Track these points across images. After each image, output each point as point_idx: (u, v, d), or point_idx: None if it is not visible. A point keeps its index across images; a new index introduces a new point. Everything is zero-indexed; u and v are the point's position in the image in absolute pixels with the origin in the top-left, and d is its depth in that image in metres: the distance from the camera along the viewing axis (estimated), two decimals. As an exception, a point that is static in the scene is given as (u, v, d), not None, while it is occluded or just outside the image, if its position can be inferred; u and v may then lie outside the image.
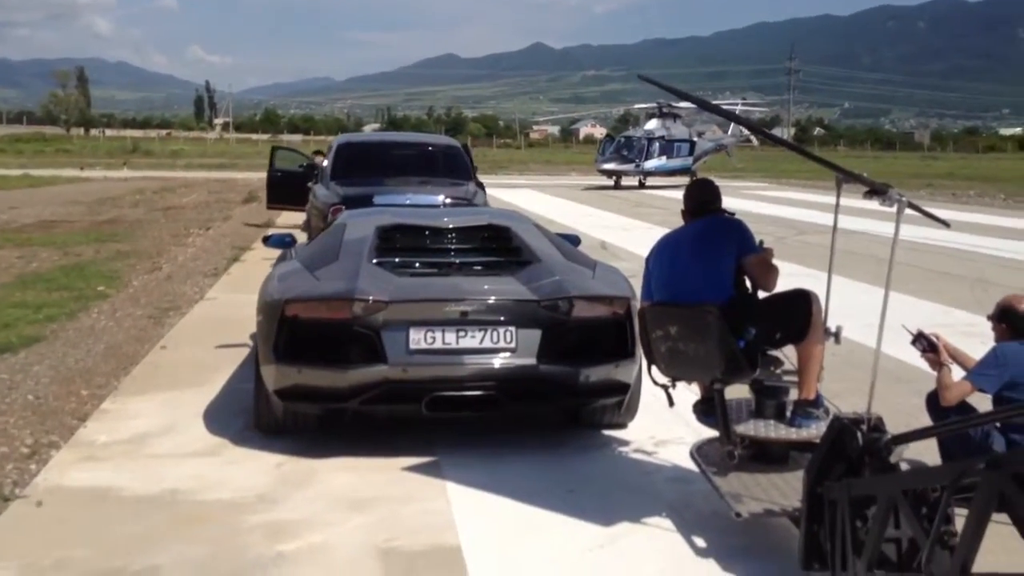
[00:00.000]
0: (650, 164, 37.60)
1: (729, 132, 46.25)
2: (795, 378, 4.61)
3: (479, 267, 5.97)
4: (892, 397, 7.01)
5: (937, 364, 4.92)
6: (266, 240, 7.64)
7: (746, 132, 51.79)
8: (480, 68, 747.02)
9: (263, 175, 18.86)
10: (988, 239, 18.02)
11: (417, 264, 5.94)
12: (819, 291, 4.71)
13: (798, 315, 4.42)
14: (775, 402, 4.59)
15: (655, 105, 41.69)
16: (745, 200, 30.32)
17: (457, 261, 6.01)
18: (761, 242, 4.69)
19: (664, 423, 5.88)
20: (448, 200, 10.52)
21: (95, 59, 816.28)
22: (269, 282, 5.78)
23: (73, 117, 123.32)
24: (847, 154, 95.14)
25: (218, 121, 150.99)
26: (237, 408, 6.16)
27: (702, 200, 4.75)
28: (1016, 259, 15.88)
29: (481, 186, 11.95)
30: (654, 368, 4.57)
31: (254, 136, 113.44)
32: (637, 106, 51.79)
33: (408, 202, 10.13)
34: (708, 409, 4.56)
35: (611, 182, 37.68)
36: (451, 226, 6.38)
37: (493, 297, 5.34)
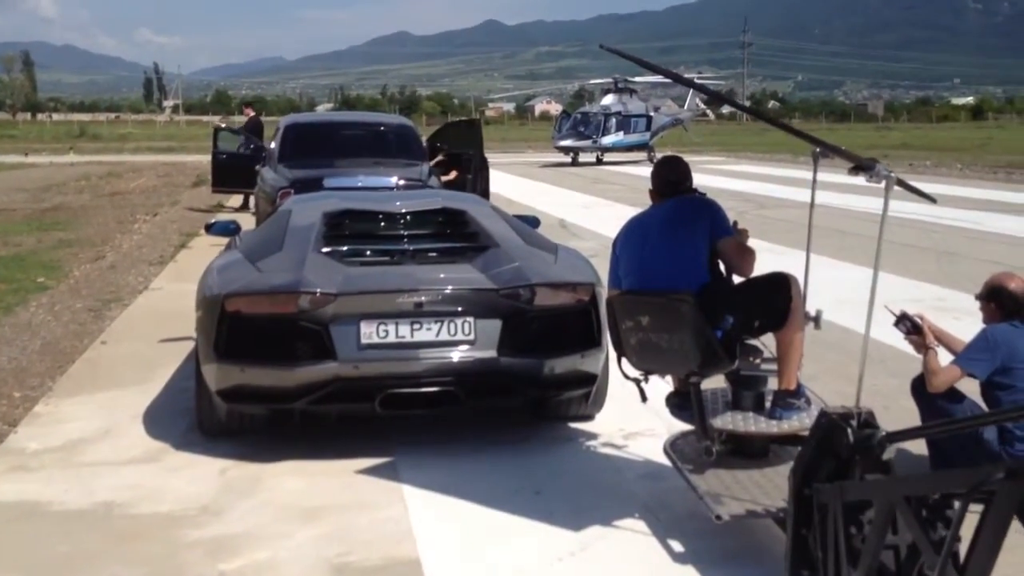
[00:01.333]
0: (607, 140, 37.23)
1: (686, 106, 46.09)
2: (774, 367, 4.33)
3: (434, 254, 5.62)
4: (870, 378, 6.71)
5: (922, 347, 4.65)
6: (208, 228, 7.20)
7: (703, 106, 51.71)
8: (433, 46, 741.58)
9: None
10: (949, 209, 17.92)
11: (368, 252, 5.57)
12: (787, 269, 4.45)
13: (778, 300, 4.12)
14: (753, 393, 4.31)
15: (611, 80, 41.34)
16: (703, 175, 30.11)
17: (411, 248, 5.64)
18: (735, 223, 4.39)
19: (633, 414, 5.57)
20: (402, 182, 10.15)
21: (41, 42, 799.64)
22: (208, 275, 5.39)
23: (19, 102, 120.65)
24: (801, 126, 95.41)
25: (168, 103, 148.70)
26: (180, 408, 5.78)
27: (671, 179, 4.42)
28: (979, 229, 15.80)
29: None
30: (624, 361, 4.25)
31: (204, 118, 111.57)
32: (592, 81, 51.51)
33: (360, 184, 9.76)
34: (682, 402, 4.26)
35: (568, 159, 37.30)
36: (403, 211, 6.01)
37: (449, 286, 5.00)
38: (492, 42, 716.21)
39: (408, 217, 5.99)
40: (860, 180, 3.64)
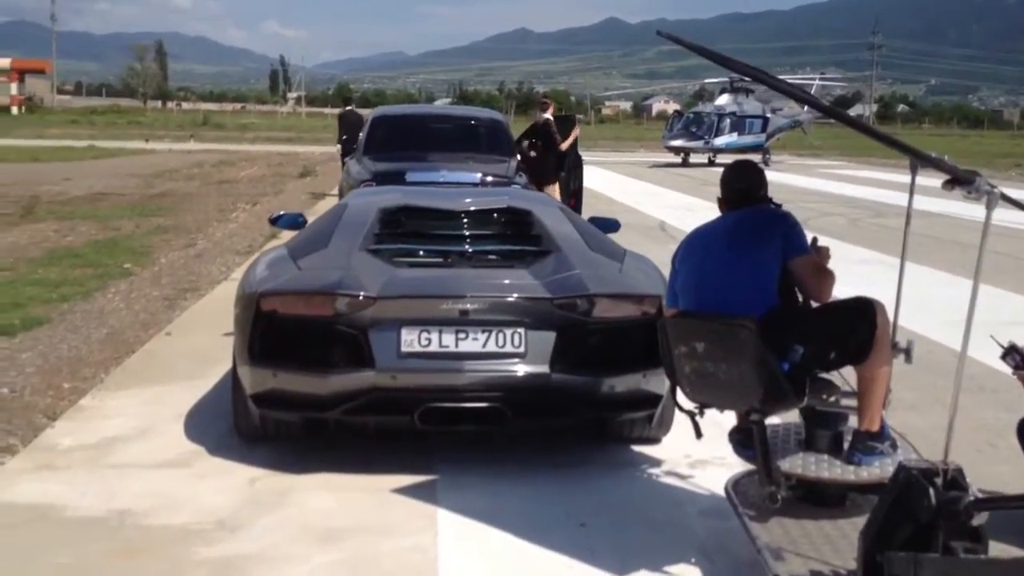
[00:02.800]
0: (720, 141, 36.24)
1: (805, 108, 44.61)
2: (854, 403, 3.79)
3: (492, 256, 5.22)
4: (974, 409, 6.10)
5: None
6: (274, 220, 6.95)
7: (823, 108, 49.93)
8: (553, 43, 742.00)
9: (326, 149, 18.21)
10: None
11: (420, 252, 5.21)
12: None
13: (859, 331, 3.58)
14: (830, 432, 3.78)
15: (727, 80, 40.27)
16: (820, 179, 29.09)
17: (467, 249, 5.25)
18: (814, 240, 3.86)
19: (704, 439, 5.06)
20: (488, 178, 9.78)
21: (174, 33, 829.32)
22: (250, 270, 5.11)
23: (150, 90, 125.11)
24: (932, 132, 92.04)
25: (292, 95, 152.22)
26: (225, 408, 5.48)
27: (740, 188, 3.91)
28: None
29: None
30: (678, 390, 3.76)
31: (326, 110, 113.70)
32: (708, 80, 50.37)
33: (442, 179, 9.43)
34: (745, 439, 3.74)
35: (679, 159, 36.49)
36: (465, 209, 5.63)
37: (500, 293, 4.59)
38: (612, 40, 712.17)
39: (469, 216, 5.61)
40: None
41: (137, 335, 7.39)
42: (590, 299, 4.57)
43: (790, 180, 28.90)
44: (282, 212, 7.14)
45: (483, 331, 4.50)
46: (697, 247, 3.82)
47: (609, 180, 27.06)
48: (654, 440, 5.14)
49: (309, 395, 4.53)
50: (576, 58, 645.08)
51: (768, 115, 38.84)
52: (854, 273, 11.55)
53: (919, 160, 3.40)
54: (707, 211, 16.56)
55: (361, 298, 4.46)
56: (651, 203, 20.12)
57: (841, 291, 3.97)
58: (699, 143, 36.17)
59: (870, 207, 20.46)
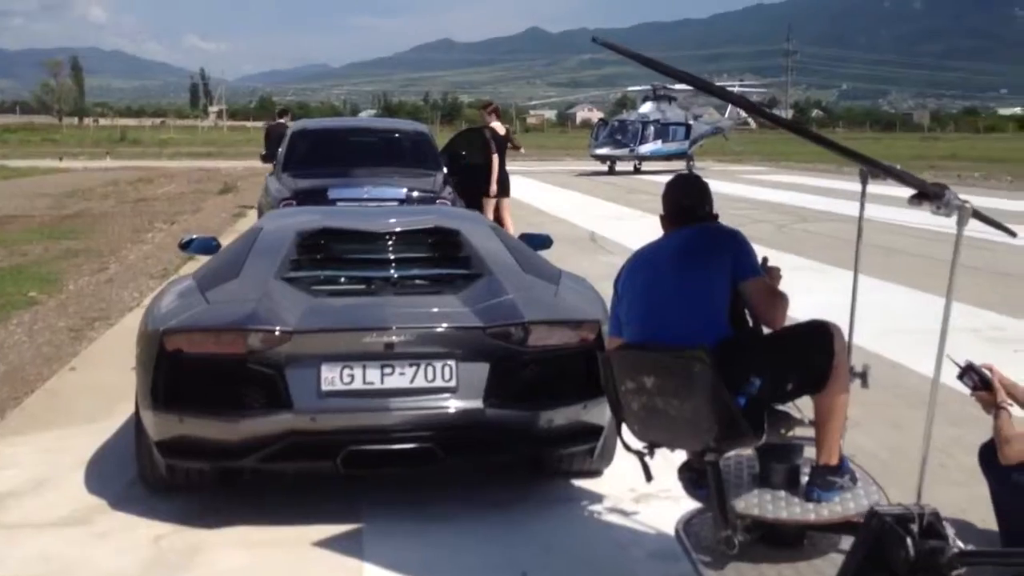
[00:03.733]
0: (645, 148, 36.31)
1: (726, 114, 45.06)
2: (811, 433, 3.53)
3: (419, 282, 4.88)
4: (920, 425, 5.91)
5: (993, 406, 3.80)
6: (184, 246, 6.47)
7: (743, 115, 50.63)
8: (477, 53, 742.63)
9: (248, 163, 17.58)
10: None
11: (342, 279, 4.84)
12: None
13: (817, 357, 3.32)
14: (785, 467, 3.50)
15: (649, 87, 40.45)
16: (743, 185, 29.23)
17: (393, 275, 4.90)
18: (764, 260, 3.59)
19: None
20: (415, 193, 9.44)
21: (91, 48, 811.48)
22: (154, 303, 4.69)
23: (66, 106, 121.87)
24: (846, 135, 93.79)
25: (213, 109, 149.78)
26: (131, 454, 5.05)
27: (684, 204, 3.63)
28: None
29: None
30: (625, 428, 3.45)
31: (248, 123, 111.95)
32: (632, 88, 50.59)
33: (366, 195, 9.09)
34: (697, 477, 3.45)
35: (605, 168, 36.47)
36: (388, 230, 5.27)
37: (428, 323, 4.25)
38: (535, 49, 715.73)
39: (394, 238, 5.25)
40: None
41: (39, 371, 6.87)
42: (525, 326, 4.25)
43: (715, 187, 28.63)
44: (193, 236, 6.64)
45: (411, 365, 4.15)
46: (641, 271, 3.52)
47: (536, 189, 26.84)
48: (596, 473, 4.84)
49: (219, 442, 4.13)
50: (500, 68, 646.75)
51: (691, 122, 39.06)
52: (789, 281, 11.42)
53: (878, 171, 3.14)
54: (636, 220, 16.32)
55: (276, 333, 4.08)
56: (580, 213, 19.91)
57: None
58: (625, 151, 36.18)
59: (795, 212, 20.53)
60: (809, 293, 10.55)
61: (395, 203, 9.05)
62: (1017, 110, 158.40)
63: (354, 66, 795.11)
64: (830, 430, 3.41)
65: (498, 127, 12.86)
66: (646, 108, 38.58)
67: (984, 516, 4.30)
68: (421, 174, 10.17)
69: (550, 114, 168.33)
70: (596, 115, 71.55)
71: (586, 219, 18.53)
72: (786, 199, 24.01)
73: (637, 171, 36.69)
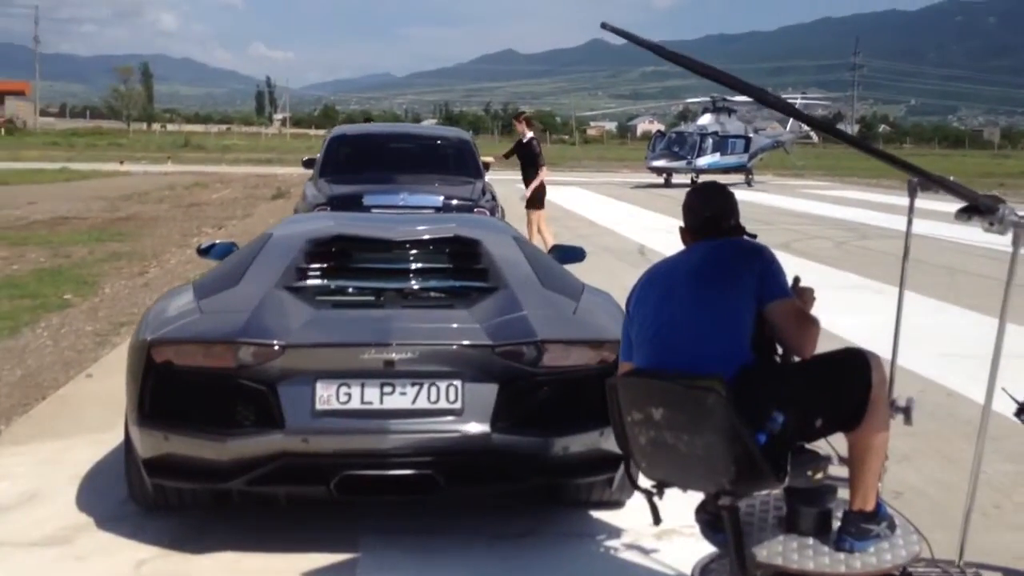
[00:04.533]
0: (702, 161, 35.72)
1: (788, 128, 44.32)
2: (844, 473, 3.16)
3: (432, 294, 4.58)
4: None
5: None
6: (204, 251, 6.23)
7: (806, 128, 49.78)
8: (539, 64, 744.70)
9: (305, 170, 17.43)
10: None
11: (350, 290, 4.56)
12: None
13: (851, 391, 2.95)
14: (815, 511, 3.14)
15: (709, 99, 39.87)
16: (803, 199, 28.60)
17: (404, 287, 4.60)
18: (796, 280, 3.22)
19: (672, 503, 4.41)
20: (454, 201, 9.18)
21: (160, 55, 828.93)
22: (148, 312, 4.44)
23: (135, 112, 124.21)
24: (913, 152, 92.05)
25: (277, 116, 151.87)
26: (128, 468, 4.83)
27: (707, 216, 3.27)
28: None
29: None
30: (632, 464, 3.10)
31: (311, 131, 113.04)
32: (691, 100, 49.98)
33: (402, 203, 8.85)
34: (716, 520, 3.09)
35: (661, 180, 35.96)
36: (404, 239, 4.98)
37: (433, 340, 3.94)
38: (597, 61, 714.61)
39: (410, 247, 4.96)
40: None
41: (55, 377, 6.70)
42: (538, 345, 3.92)
43: (773, 201, 28.39)
44: (215, 241, 6.38)
45: (412, 384, 3.85)
46: (655, 289, 3.16)
47: (590, 201, 26.49)
48: (616, 504, 4.49)
49: (207, 462, 3.85)
50: (562, 79, 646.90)
51: (751, 135, 38.41)
52: (845, 300, 11.02)
53: (929, 182, 2.77)
54: (685, 236, 15.33)
55: (271, 347, 3.80)
56: (631, 225, 19.52)
57: (833, 320, 3.34)
58: (681, 163, 35.63)
59: (856, 229, 19.93)
60: (865, 313, 10.14)
61: (432, 211, 8.80)
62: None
63: (417, 76, 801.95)
64: (866, 472, 3.03)
65: (525, 135, 12.76)
66: (705, 120, 38.03)
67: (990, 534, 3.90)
68: (460, 182, 9.90)
69: (610, 126, 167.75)
70: (656, 127, 70.80)
71: (637, 232, 18.15)
72: (848, 215, 23.38)
73: (694, 184, 36.12)
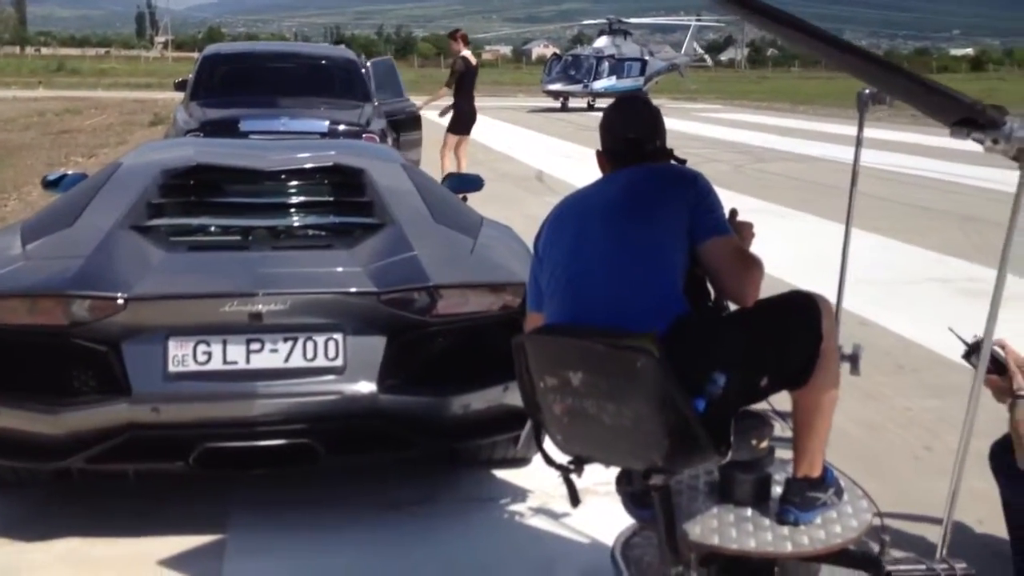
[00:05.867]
0: (599, 84, 35.22)
1: (683, 51, 44.14)
2: (786, 434, 2.74)
3: (309, 232, 3.99)
4: (897, 397, 5.21)
5: (1008, 394, 3.01)
6: (49, 183, 5.44)
7: (700, 51, 49.72)
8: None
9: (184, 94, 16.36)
10: (960, 166, 16.22)
11: (212, 229, 3.94)
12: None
13: (799, 341, 2.51)
14: (752, 478, 2.71)
15: (605, 21, 39.30)
16: (699, 123, 28.42)
17: (275, 225, 3.99)
18: (733, 213, 2.73)
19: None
20: (341, 126, 8.48)
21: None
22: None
23: (6, 35, 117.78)
24: (801, 75, 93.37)
25: (159, 39, 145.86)
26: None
27: (630, 136, 2.74)
28: (1002, 191, 14.12)
29: None
30: (546, 437, 2.62)
31: (195, 55, 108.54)
32: (587, 22, 49.29)
33: (282, 127, 8.14)
34: (641, 495, 2.63)
35: (558, 104, 35.41)
36: (277, 168, 4.35)
37: (307, 287, 3.37)
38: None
39: (283, 178, 4.34)
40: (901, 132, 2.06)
41: None
42: (430, 291, 3.39)
43: (671, 125, 28.05)
44: (65, 172, 5.58)
45: (285, 340, 3.29)
46: (569, 226, 2.63)
47: (485, 126, 25.74)
48: (522, 462, 4.03)
49: (40, 437, 3.24)
50: (456, 2, 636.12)
51: (647, 58, 38.05)
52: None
53: (923, 89, 2.22)
54: (587, 159, 15.20)
55: (111, 299, 3.19)
56: (528, 151, 18.99)
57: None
58: (578, 87, 35.13)
59: (751, 152, 19.76)
60: (771, 241, 9.85)
61: (316, 136, 8.12)
62: (968, 51, 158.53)
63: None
64: (813, 434, 2.61)
65: (468, 56, 11.85)
66: (601, 43, 37.49)
67: (983, 516, 3.60)
68: (348, 105, 9.16)
69: (505, 50, 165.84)
70: (552, 51, 69.73)
71: (534, 157, 17.64)
72: (742, 138, 23.26)
73: (591, 108, 35.62)
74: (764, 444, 2.55)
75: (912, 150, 18.95)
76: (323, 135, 8.23)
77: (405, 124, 10.42)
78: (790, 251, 8.41)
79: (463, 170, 10.34)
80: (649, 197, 2.58)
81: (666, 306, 2.40)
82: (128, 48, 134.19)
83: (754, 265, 2.52)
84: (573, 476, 2.51)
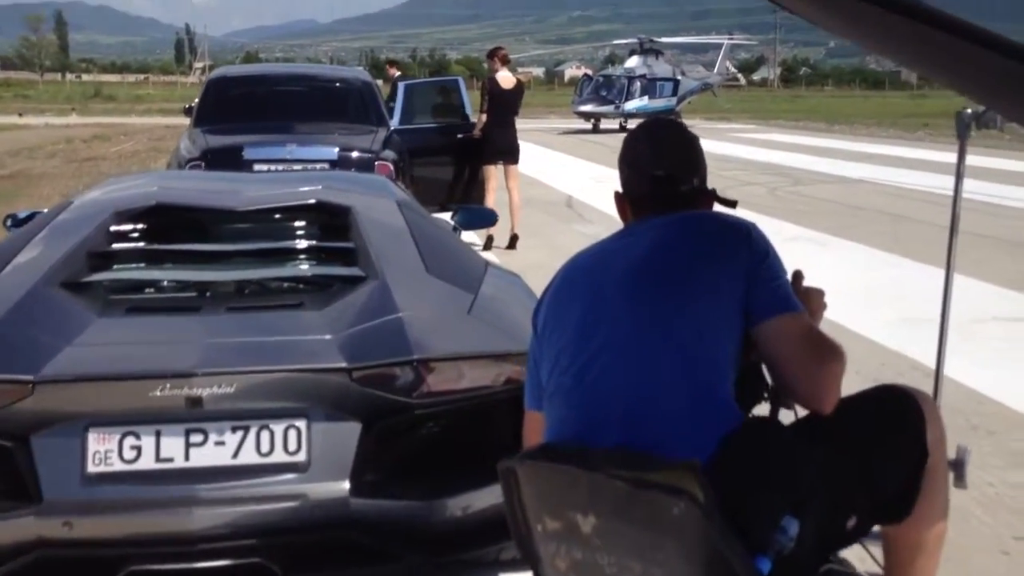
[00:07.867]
0: (631, 105, 34.54)
1: (715, 71, 43.48)
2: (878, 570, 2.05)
3: (274, 289, 3.34)
4: (977, 470, 4.41)
5: None
6: (15, 225, 4.84)
7: (733, 70, 49.05)
8: (465, 9, 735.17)
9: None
10: (1009, 188, 15.32)
11: (164, 284, 3.31)
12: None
13: (897, 462, 1.83)
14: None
15: (636, 41, 38.70)
16: (733, 144, 27.67)
17: (240, 278, 3.35)
18: (796, 276, 2.04)
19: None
20: (353, 153, 7.90)
21: (75, 2, 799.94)
22: None
23: (48, 62, 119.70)
24: (834, 94, 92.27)
25: (197, 65, 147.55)
26: None
27: (659, 174, 2.04)
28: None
29: None
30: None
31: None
32: (618, 42, 48.77)
33: (289, 155, 7.59)
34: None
35: (589, 125, 34.78)
36: (249, 208, 3.72)
37: (261, 361, 2.72)
38: (524, 6, 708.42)
39: (257, 220, 3.71)
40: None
41: None
42: (416, 366, 2.73)
43: (705, 146, 27.35)
44: (27, 211, 4.97)
45: (233, 430, 2.64)
46: (578, 298, 1.95)
47: (515, 149, 25.19)
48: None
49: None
50: (488, 24, 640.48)
51: (679, 77, 37.39)
52: (787, 255, 9.82)
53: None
54: (619, 183, 14.34)
55: (17, 383, 2.56)
56: (558, 174, 18.36)
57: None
58: (609, 108, 34.49)
59: (787, 174, 18.98)
60: (809, 272, 9.06)
61: (325, 164, 7.57)
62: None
63: (341, 22, 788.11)
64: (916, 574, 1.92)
65: (505, 79, 10.61)
66: (632, 63, 36.86)
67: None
68: (360, 131, 8.57)
69: (538, 71, 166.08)
70: (584, 71, 69.16)
71: (564, 182, 17.02)
72: (777, 159, 22.50)
73: (623, 129, 34.94)
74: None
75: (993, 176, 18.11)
76: (333, 163, 7.68)
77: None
78: (833, 285, 7.63)
79: (490, 204, 9.55)
80: (687, 259, 1.90)
81: (712, 418, 1.72)
82: (167, 74, 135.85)
83: (834, 357, 1.82)
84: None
